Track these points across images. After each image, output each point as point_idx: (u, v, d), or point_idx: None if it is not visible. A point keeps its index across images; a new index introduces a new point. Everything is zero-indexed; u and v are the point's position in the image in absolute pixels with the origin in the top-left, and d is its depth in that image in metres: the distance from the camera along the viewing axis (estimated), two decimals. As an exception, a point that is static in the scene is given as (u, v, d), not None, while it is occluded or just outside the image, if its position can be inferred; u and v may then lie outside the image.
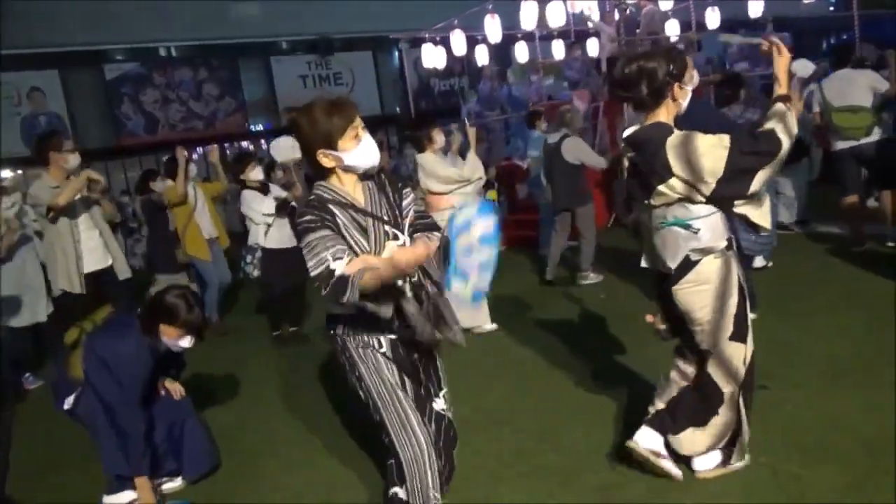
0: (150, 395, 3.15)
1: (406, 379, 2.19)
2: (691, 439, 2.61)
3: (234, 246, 6.58)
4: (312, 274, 1.98)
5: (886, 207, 5.67)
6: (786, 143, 2.32)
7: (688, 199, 2.42)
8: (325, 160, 2.07)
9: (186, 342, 2.93)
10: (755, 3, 10.42)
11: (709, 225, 2.44)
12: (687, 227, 2.44)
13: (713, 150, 2.33)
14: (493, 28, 10.60)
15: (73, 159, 4.70)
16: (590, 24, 10.48)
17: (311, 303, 5.95)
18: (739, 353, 2.51)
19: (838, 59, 5.91)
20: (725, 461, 2.65)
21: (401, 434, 2.11)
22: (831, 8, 21.81)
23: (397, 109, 20.02)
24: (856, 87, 5.53)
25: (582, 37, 11.75)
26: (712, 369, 2.55)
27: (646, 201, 2.53)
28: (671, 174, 2.38)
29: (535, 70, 11.09)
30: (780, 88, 2.39)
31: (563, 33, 11.33)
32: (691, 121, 2.54)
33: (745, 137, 2.36)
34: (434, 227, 2.20)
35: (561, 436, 3.21)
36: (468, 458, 2.82)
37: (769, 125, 2.35)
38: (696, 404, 2.60)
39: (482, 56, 11.73)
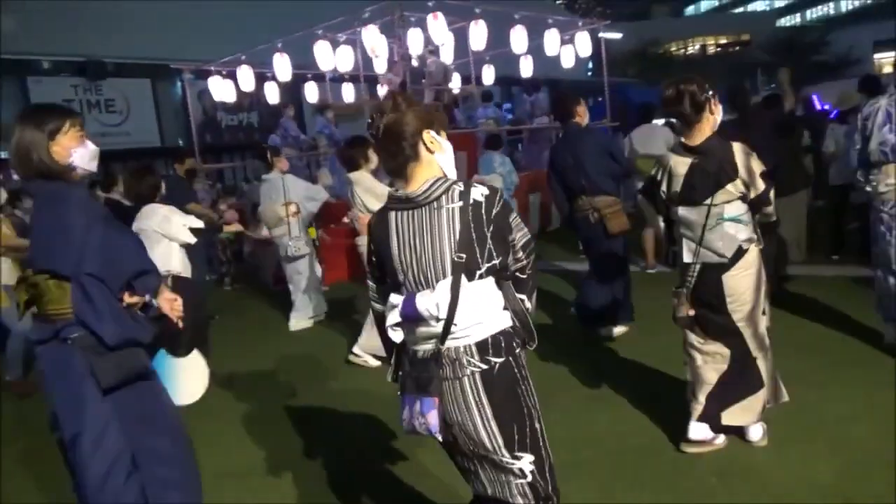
0: None
1: None
2: (742, 412, 3.05)
3: None
4: (529, 238, 1.99)
5: (647, 244, 6.97)
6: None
7: (742, 199, 2.93)
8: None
9: None
10: (526, 64, 11.59)
11: (750, 220, 2.99)
12: (740, 221, 2.95)
13: (759, 163, 2.93)
14: (281, 65, 10.55)
15: None
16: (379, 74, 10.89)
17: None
18: (764, 325, 3.05)
19: (643, 115, 7.13)
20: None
21: (547, 444, 1.99)
22: (589, 73, 25.11)
23: (180, 142, 18.89)
24: (655, 139, 6.68)
25: (372, 81, 12.15)
26: (750, 343, 3.01)
27: (706, 201, 2.94)
28: (737, 175, 2.90)
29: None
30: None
31: (353, 77, 11.62)
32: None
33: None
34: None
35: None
36: None
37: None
38: (740, 380, 3.03)
39: (272, 93, 11.59)
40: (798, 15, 68.32)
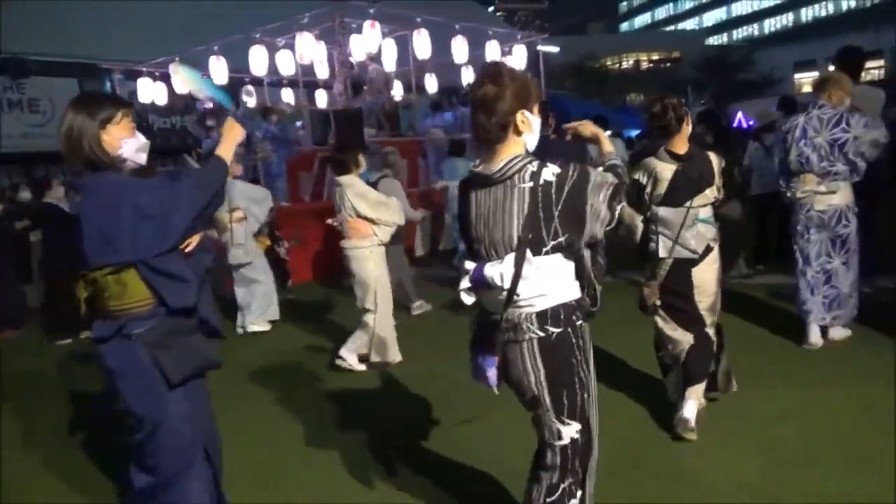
0: None
1: None
2: (696, 393, 3.35)
3: None
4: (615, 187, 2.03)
5: None
6: None
7: (713, 203, 3.34)
8: None
9: None
10: (467, 74, 11.71)
11: (714, 222, 3.40)
12: (709, 222, 3.35)
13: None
14: (218, 69, 10.32)
15: None
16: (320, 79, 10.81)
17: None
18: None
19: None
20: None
21: (595, 419, 2.13)
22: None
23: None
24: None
25: (312, 87, 12.02)
26: (710, 331, 3.37)
27: (686, 203, 3.28)
28: (714, 181, 3.30)
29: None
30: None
31: (292, 82, 11.48)
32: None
33: None
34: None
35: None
36: None
37: None
38: (704, 360, 3.36)
39: (207, 96, 11.31)
40: (725, 35, 71.49)
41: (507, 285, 1.97)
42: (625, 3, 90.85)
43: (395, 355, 4.86)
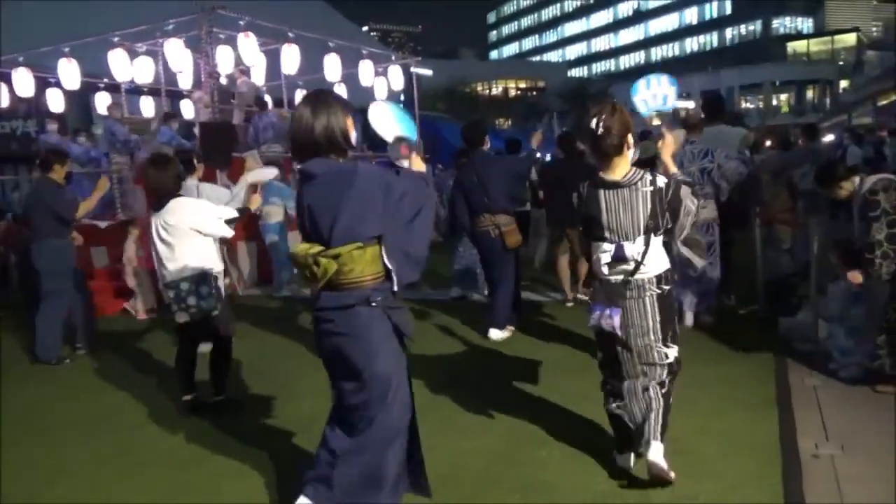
0: None
1: None
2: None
3: None
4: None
5: (563, 273, 6.58)
6: None
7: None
8: None
9: None
10: (339, 91, 11.59)
11: None
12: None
13: None
14: (68, 72, 9.58)
15: None
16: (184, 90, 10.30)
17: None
18: None
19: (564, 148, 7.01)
20: None
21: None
22: (401, 105, 25.82)
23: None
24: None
25: (175, 96, 11.43)
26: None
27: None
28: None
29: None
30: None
31: (153, 90, 10.86)
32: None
33: None
34: None
35: None
36: None
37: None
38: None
39: (55, 101, 10.45)
40: (586, 68, 76.43)
41: (639, 258, 2.86)
42: (494, 33, 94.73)
43: None
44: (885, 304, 3.85)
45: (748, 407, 3.78)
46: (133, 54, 9.33)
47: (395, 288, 2.50)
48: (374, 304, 2.46)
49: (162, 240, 4.01)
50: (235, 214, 4.28)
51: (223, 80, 9.99)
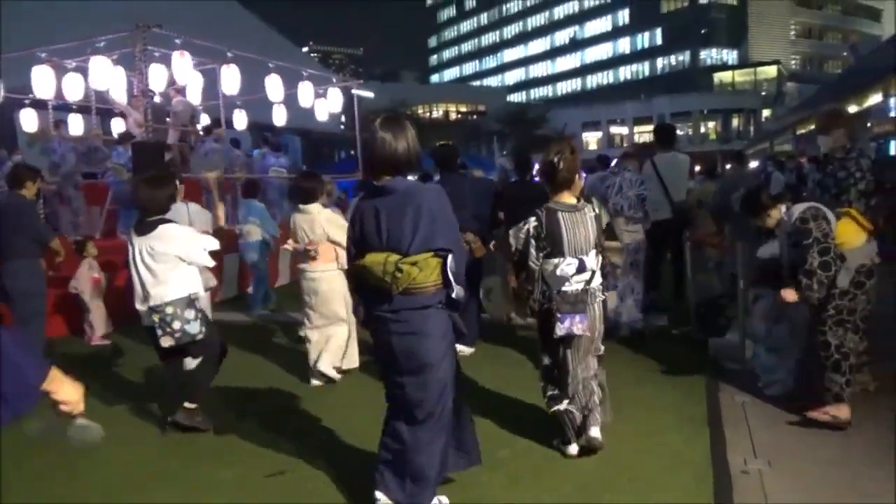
0: None
1: None
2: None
3: None
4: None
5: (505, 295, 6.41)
6: None
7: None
8: None
9: None
10: (279, 112, 11.51)
11: None
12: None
13: None
14: (-11, 87, 9.16)
15: None
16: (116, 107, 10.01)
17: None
18: None
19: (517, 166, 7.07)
20: None
21: None
22: (342, 127, 25.85)
23: None
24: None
25: (106, 115, 11.07)
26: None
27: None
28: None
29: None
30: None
31: (83, 108, 10.49)
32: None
33: None
34: None
35: None
36: None
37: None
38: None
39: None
40: (524, 93, 78.07)
41: (595, 269, 3.48)
42: (435, 57, 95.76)
43: (357, 360, 5.19)
44: (809, 325, 3.99)
45: (683, 425, 3.89)
46: (62, 71, 9.02)
47: (454, 295, 2.80)
48: (441, 306, 2.82)
49: (146, 264, 3.94)
50: (217, 246, 4.25)
51: (157, 99, 9.75)
